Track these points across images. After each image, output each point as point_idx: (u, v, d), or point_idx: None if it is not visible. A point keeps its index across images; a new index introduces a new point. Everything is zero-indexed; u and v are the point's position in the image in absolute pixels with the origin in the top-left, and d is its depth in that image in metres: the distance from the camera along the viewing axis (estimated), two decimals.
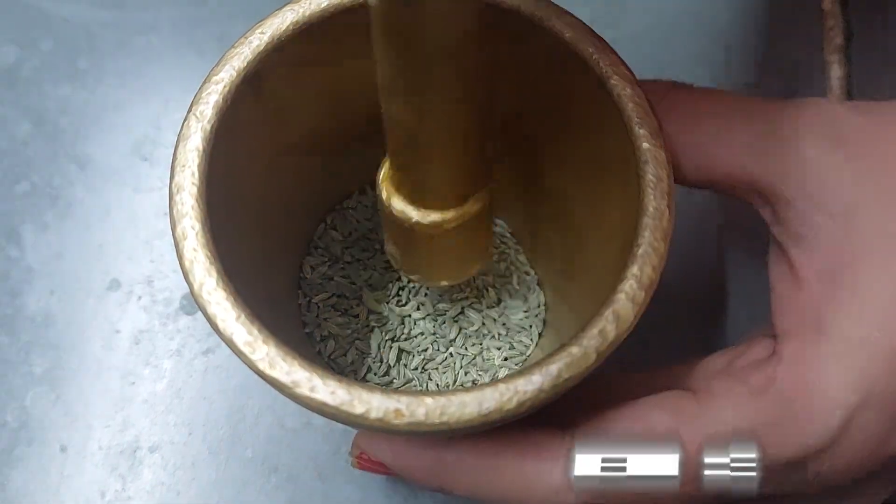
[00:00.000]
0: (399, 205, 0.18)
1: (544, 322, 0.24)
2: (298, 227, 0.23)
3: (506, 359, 0.23)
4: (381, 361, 0.23)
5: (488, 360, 0.23)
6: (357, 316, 0.24)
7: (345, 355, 0.23)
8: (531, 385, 0.15)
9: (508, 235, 0.25)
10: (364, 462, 0.22)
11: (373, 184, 0.24)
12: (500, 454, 0.18)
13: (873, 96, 0.30)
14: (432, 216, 0.18)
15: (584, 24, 0.18)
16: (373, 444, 0.20)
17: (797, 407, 0.17)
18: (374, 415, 0.15)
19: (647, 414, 0.18)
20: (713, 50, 0.31)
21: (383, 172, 0.18)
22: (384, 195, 0.18)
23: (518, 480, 0.18)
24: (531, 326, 0.24)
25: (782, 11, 0.32)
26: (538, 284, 0.24)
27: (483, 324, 0.24)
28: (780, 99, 0.19)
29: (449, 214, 0.18)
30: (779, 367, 0.18)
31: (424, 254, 0.20)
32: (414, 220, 0.18)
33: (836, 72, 0.31)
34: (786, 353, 0.18)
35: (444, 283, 0.22)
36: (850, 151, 0.18)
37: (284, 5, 0.18)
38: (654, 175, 0.17)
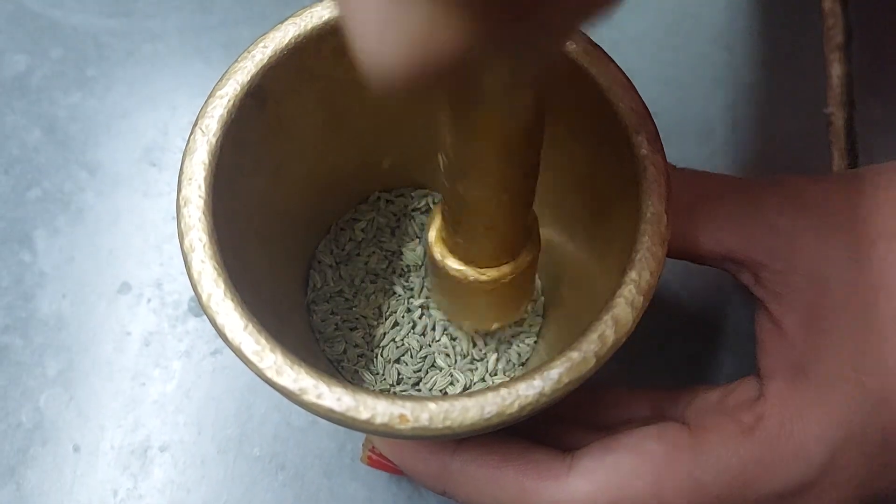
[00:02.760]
0: (455, 265, 0.18)
1: (538, 335, 0.24)
2: (303, 233, 0.24)
3: (500, 361, 0.24)
4: (382, 361, 0.24)
5: (484, 365, 0.24)
6: (363, 318, 0.24)
7: (346, 353, 0.24)
8: (532, 389, 0.16)
9: None
10: (374, 460, 0.23)
11: (367, 195, 0.25)
12: (503, 468, 0.19)
13: (873, 94, 0.30)
14: (490, 273, 0.18)
15: (583, 32, 0.18)
16: (384, 444, 0.21)
17: (783, 445, 0.18)
18: (378, 420, 0.15)
19: (645, 443, 0.19)
20: (714, 50, 0.31)
21: (434, 233, 0.19)
22: (438, 256, 0.18)
23: (517, 496, 0.19)
24: (529, 334, 0.24)
25: (783, 11, 0.32)
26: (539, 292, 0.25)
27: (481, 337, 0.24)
28: (747, 178, 0.21)
29: (506, 269, 0.18)
30: (765, 407, 0.19)
31: (478, 304, 0.20)
32: (472, 279, 0.18)
33: (836, 70, 0.31)
34: (771, 394, 0.19)
35: (496, 325, 0.22)
36: (815, 218, 0.19)
37: (286, 18, 0.18)
38: (651, 180, 0.17)
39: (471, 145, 0.14)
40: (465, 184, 0.15)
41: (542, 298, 0.24)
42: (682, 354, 0.28)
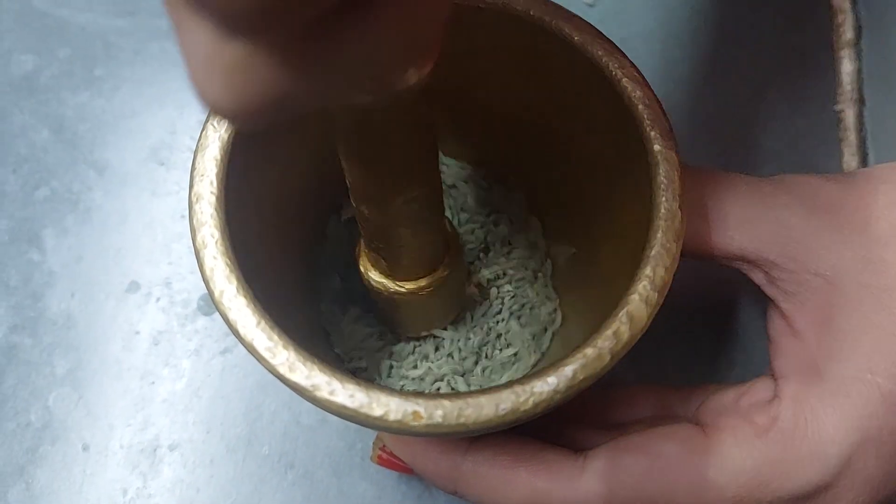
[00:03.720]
0: (377, 277, 0.20)
1: (554, 333, 0.24)
2: (316, 225, 0.24)
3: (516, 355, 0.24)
4: (395, 362, 0.23)
5: (499, 359, 0.24)
6: (374, 314, 0.24)
7: (361, 355, 0.23)
8: (547, 386, 0.16)
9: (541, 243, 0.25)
10: (384, 459, 0.23)
11: None
12: (515, 469, 0.19)
13: (883, 91, 0.30)
14: (407, 286, 0.19)
15: (594, 27, 0.18)
16: (396, 443, 0.21)
17: (798, 446, 0.18)
18: (392, 417, 0.15)
19: (659, 444, 0.19)
20: (722, 47, 0.31)
21: (360, 247, 0.20)
22: (362, 269, 0.20)
23: (529, 496, 0.19)
24: (544, 331, 0.24)
25: (791, 7, 0.32)
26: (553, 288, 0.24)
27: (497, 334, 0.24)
28: (758, 176, 0.20)
29: (422, 283, 0.19)
30: (780, 408, 0.19)
31: (406, 312, 0.22)
32: (392, 290, 0.19)
33: (846, 67, 0.31)
34: (786, 395, 0.19)
35: (424, 332, 0.23)
36: (827, 217, 0.19)
37: None
38: (665, 176, 0.17)
39: (359, 173, 0.15)
40: (367, 207, 0.16)
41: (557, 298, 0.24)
42: (694, 352, 0.27)
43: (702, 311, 0.28)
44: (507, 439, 0.20)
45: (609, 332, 0.16)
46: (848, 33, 0.31)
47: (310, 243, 0.24)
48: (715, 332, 0.28)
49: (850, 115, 0.30)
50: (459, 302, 0.23)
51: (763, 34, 0.31)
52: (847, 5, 0.31)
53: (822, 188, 0.20)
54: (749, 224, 0.19)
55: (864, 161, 0.30)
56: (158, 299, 0.28)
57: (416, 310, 0.21)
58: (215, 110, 0.10)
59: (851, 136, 0.30)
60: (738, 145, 0.30)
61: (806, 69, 0.31)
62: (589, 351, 0.16)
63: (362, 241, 0.19)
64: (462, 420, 0.15)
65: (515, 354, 0.23)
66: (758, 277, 0.20)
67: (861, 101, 0.30)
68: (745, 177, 0.20)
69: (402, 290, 0.19)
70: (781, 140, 0.30)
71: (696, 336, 0.28)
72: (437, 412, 0.15)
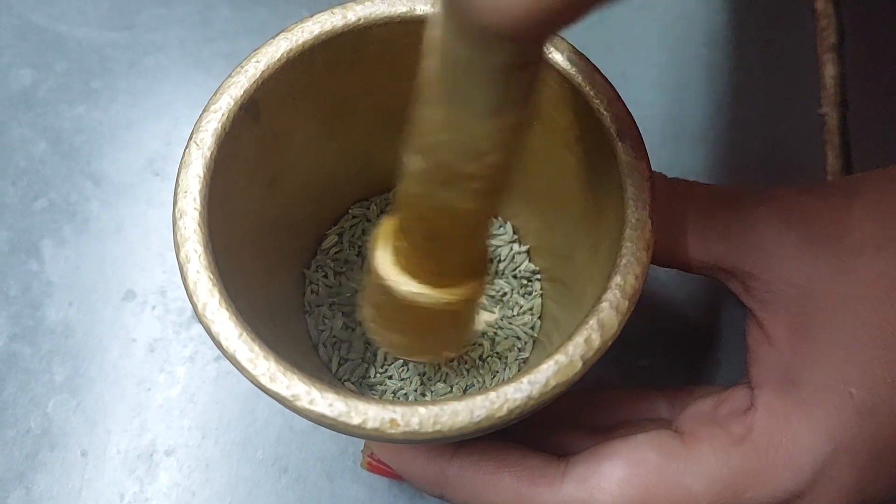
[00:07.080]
0: (417, 288, 0.17)
1: (535, 338, 0.24)
2: (300, 241, 0.24)
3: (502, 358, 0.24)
4: (383, 369, 0.24)
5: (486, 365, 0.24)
6: (359, 324, 0.24)
7: (347, 361, 0.24)
8: (520, 393, 0.16)
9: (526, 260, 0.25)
10: (374, 465, 0.23)
11: (362, 199, 0.25)
12: (499, 474, 0.19)
13: (866, 94, 0.31)
14: (449, 294, 0.17)
15: (566, 41, 0.19)
16: (382, 450, 0.21)
17: (773, 456, 0.19)
18: (370, 425, 0.16)
19: (638, 451, 0.19)
20: (708, 52, 0.32)
21: (388, 260, 0.18)
22: (400, 285, 0.17)
23: (512, 501, 0.19)
24: (526, 333, 0.24)
25: (776, 12, 0.32)
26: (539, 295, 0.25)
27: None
28: (737, 185, 0.21)
29: (465, 291, 0.18)
30: (755, 418, 0.19)
31: (432, 327, 0.19)
32: (437, 300, 0.17)
33: (829, 70, 0.31)
34: (761, 404, 0.19)
35: (417, 359, 0.23)
36: (802, 228, 0.19)
37: (278, 33, 0.19)
38: (635, 187, 0.18)
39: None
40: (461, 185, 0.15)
41: (539, 305, 0.25)
42: (678, 355, 0.28)
43: (686, 314, 0.28)
44: (492, 445, 0.20)
45: (580, 339, 0.16)
46: (831, 37, 0.31)
47: (298, 255, 0.24)
48: (699, 335, 0.28)
49: (833, 119, 0.30)
50: (457, 343, 0.22)
51: (747, 38, 0.32)
52: (831, 9, 0.31)
53: (797, 199, 0.20)
54: (725, 235, 0.20)
55: (847, 164, 0.30)
56: (154, 307, 0.28)
57: (448, 325, 0.19)
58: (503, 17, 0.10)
59: (835, 140, 0.30)
60: (722, 149, 0.30)
61: (790, 73, 0.31)
62: (561, 358, 0.16)
63: (390, 255, 0.17)
64: (438, 427, 0.16)
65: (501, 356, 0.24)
66: (734, 287, 0.21)
67: (845, 105, 0.31)
68: (723, 187, 0.21)
69: (444, 300, 0.17)
70: (766, 144, 0.30)
71: (681, 339, 0.28)
72: (414, 419, 0.16)
